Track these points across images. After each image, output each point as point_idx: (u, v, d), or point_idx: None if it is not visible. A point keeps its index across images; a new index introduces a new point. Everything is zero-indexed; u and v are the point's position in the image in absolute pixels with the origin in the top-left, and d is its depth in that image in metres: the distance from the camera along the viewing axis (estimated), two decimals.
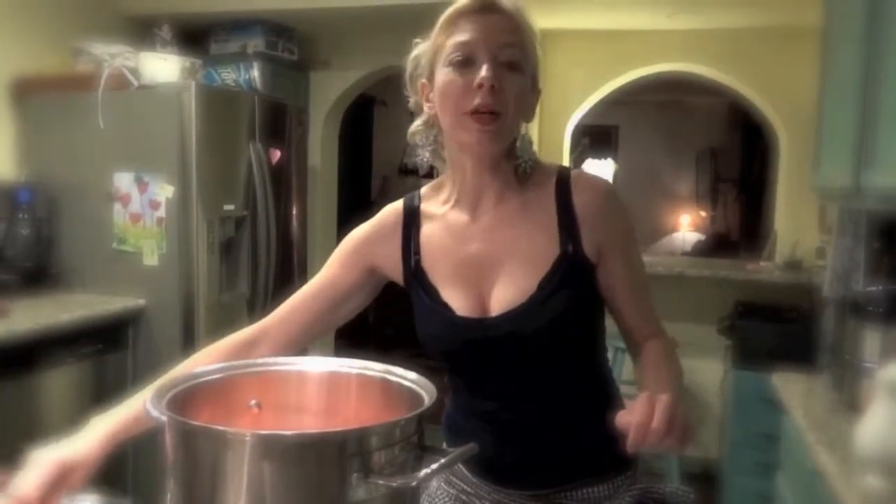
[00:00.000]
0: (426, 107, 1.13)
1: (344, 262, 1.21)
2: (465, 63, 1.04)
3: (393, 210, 1.22)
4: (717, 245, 7.22)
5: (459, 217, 1.15)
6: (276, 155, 3.47)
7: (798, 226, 3.71)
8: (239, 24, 3.74)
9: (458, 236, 1.14)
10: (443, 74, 1.07)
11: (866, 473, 1.40)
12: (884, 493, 1.36)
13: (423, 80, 1.12)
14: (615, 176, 7.45)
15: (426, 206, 1.19)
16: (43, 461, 0.95)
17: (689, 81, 4.29)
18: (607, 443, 1.15)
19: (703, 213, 8.19)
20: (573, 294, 1.09)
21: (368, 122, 6.24)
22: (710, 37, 3.85)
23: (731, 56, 3.85)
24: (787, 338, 3.07)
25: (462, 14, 1.06)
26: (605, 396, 1.17)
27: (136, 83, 3.00)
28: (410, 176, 6.69)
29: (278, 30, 3.82)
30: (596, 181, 1.16)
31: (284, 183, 3.56)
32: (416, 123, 1.16)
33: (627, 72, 4.03)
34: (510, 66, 1.05)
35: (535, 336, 1.08)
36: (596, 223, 1.10)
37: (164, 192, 2.97)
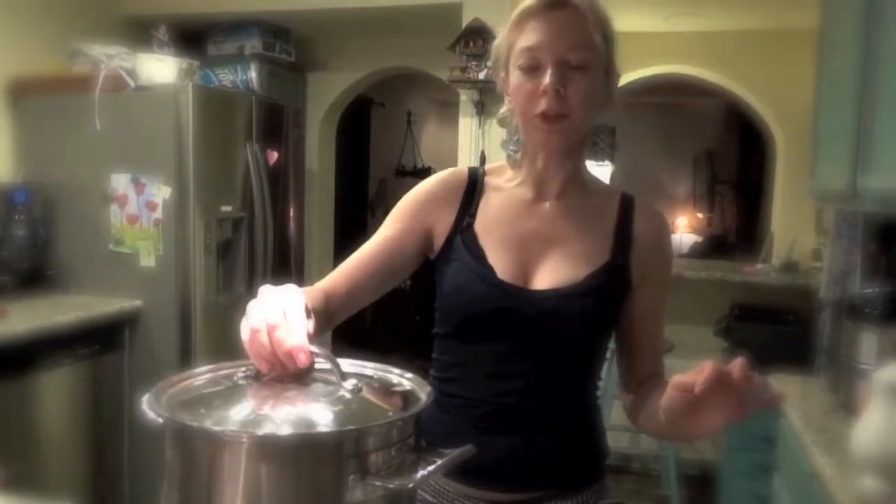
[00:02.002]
0: (507, 98, 1.16)
1: (407, 215, 1.20)
2: (531, 68, 1.07)
3: (457, 172, 1.23)
4: (714, 247, 7.23)
5: (523, 194, 1.18)
6: (274, 156, 3.47)
7: (795, 228, 3.72)
8: (236, 26, 3.75)
9: (517, 210, 1.17)
10: (514, 76, 1.10)
11: (863, 475, 1.40)
12: (880, 494, 1.36)
13: (502, 74, 1.15)
14: (612, 178, 7.45)
15: (490, 179, 1.22)
16: (295, 304, 0.91)
17: (686, 83, 4.29)
18: (583, 460, 1.17)
19: (700, 215, 8.21)
20: (610, 302, 1.13)
21: (366, 123, 6.24)
22: (707, 39, 3.85)
23: (728, 58, 3.86)
24: (783, 340, 3.08)
25: (531, 13, 1.08)
26: (590, 414, 1.20)
27: (132, 84, 3.00)
28: (408, 177, 6.69)
29: (275, 31, 3.82)
30: (659, 212, 1.21)
31: (281, 184, 3.56)
32: (502, 110, 1.19)
33: (624, 74, 4.02)
34: (577, 67, 1.06)
35: (571, 321, 1.10)
36: (648, 251, 1.16)
37: (161, 193, 2.97)
